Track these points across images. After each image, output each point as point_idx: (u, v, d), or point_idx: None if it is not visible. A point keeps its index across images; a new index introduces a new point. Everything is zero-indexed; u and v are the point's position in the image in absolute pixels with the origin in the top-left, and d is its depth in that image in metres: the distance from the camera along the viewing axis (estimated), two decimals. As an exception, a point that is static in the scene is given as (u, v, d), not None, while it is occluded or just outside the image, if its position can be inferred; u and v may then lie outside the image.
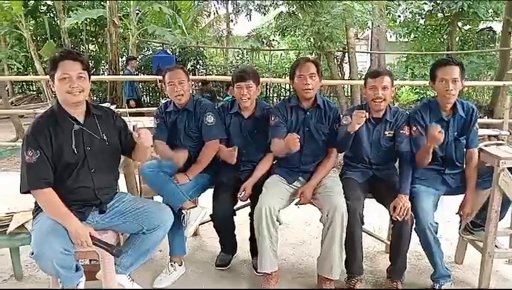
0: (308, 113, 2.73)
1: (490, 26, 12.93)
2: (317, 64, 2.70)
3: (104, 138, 2.22)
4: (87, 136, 2.17)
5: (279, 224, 2.52)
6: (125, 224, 2.30)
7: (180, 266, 2.81)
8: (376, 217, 3.05)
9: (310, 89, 2.64)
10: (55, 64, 2.08)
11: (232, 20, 17.02)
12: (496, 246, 2.61)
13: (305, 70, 2.64)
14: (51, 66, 2.11)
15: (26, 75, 12.78)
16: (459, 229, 2.85)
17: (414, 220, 2.44)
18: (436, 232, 2.45)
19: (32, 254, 1.97)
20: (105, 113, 2.31)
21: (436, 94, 2.63)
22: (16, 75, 11.95)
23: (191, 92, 2.87)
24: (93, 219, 2.24)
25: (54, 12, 11.90)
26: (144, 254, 2.34)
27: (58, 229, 2.00)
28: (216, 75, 12.94)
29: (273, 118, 2.75)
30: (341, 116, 2.75)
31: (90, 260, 2.43)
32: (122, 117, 2.54)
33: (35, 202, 2.16)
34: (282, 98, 11.55)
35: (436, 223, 2.45)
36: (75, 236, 2.03)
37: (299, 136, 2.46)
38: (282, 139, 2.59)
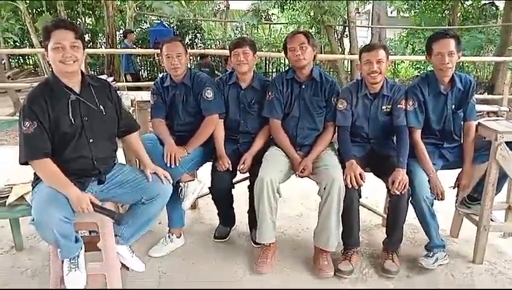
0: (303, 86, 2.74)
1: (492, 1, 12.76)
2: (307, 35, 2.69)
3: (101, 108, 2.21)
4: (84, 107, 2.15)
5: (279, 197, 2.54)
6: (124, 194, 2.30)
7: (178, 238, 2.85)
8: (373, 190, 3.07)
9: (301, 59, 2.64)
10: (48, 34, 2.04)
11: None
12: (491, 219, 2.65)
13: (295, 42, 2.65)
14: (44, 35, 2.07)
15: (23, 48, 12.62)
16: (456, 202, 2.88)
17: (410, 193, 2.47)
18: (432, 205, 2.48)
19: (33, 220, 1.98)
20: (101, 84, 2.29)
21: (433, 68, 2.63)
22: (12, 48, 11.80)
23: (188, 65, 2.85)
24: (92, 189, 2.24)
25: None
26: (144, 224, 2.36)
27: (58, 198, 2.01)
28: (215, 49, 12.81)
29: (269, 93, 2.78)
30: (339, 91, 2.75)
31: (90, 232, 2.47)
32: (120, 91, 2.52)
33: (35, 173, 2.16)
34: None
35: (432, 195, 2.48)
36: (76, 203, 2.02)
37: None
38: (279, 120, 2.76)
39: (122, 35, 9.67)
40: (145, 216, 2.33)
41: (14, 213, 2.53)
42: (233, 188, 2.81)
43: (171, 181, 2.40)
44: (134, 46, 10.17)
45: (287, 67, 2.83)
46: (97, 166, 2.22)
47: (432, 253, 2.58)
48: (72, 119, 2.10)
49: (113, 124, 2.31)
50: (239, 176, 2.85)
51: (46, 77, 2.21)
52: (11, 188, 2.60)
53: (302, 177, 2.69)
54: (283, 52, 2.82)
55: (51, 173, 2.06)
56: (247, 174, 2.77)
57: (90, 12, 13.81)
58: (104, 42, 9.23)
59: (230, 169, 2.72)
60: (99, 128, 2.20)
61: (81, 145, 2.15)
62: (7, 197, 2.51)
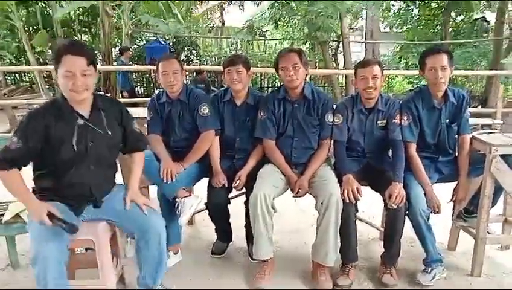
0: (296, 105, 2.73)
1: (484, 16, 12.97)
2: (300, 53, 2.67)
3: (108, 132, 2.12)
4: (91, 132, 2.07)
5: (274, 212, 2.53)
6: (117, 222, 2.24)
7: (175, 254, 2.83)
8: (370, 204, 3.07)
9: (294, 79, 2.62)
10: (59, 58, 1.95)
11: (224, 9, 16.94)
12: (488, 232, 2.65)
13: (287, 62, 2.62)
14: (54, 58, 1.99)
15: (19, 65, 12.64)
16: (452, 215, 2.89)
17: (407, 207, 2.47)
18: (428, 219, 2.48)
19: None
20: (112, 105, 2.21)
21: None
22: (8, 66, 11.81)
23: (184, 82, 2.86)
24: (88, 213, 2.18)
25: (46, 1, 11.76)
26: (157, 265, 2.24)
27: (52, 232, 1.91)
28: (211, 65, 12.91)
29: (261, 113, 2.77)
30: (334, 106, 2.77)
31: (86, 249, 2.45)
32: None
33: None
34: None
35: (428, 209, 2.49)
36: (33, 214, 1.94)
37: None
38: (273, 140, 2.74)
39: (118, 52, 9.70)
40: (152, 258, 2.20)
41: (10, 231, 2.52)
42: (229, 203, 2.80)
43: (147, 211, 2.22)
44: (131, 63, 10.23)
45: (282, 83, 2.83)
46: (94, 192, 2.15)
47: (429, 269, 2.58)
48: (75, 146, 2.02)
49: (117, 146, 2.23)
50: (235, 191, 2.85)
51: (54, 98, 2.13)
52: (7, 205, 2.59)
53: (298, 197, 2.68)
54: (274, 69, 2.78)
55: (14, 183, 1.98)
56: (244, 190, 2.76)
57: (87, 29, 13.91)
58: (100, 59, 9.22)
59: (226, 185, 2.72)
60: (103, 153, 2.13)
61: (82, 171, 2.07)
62: (3, 215, 2.50)
